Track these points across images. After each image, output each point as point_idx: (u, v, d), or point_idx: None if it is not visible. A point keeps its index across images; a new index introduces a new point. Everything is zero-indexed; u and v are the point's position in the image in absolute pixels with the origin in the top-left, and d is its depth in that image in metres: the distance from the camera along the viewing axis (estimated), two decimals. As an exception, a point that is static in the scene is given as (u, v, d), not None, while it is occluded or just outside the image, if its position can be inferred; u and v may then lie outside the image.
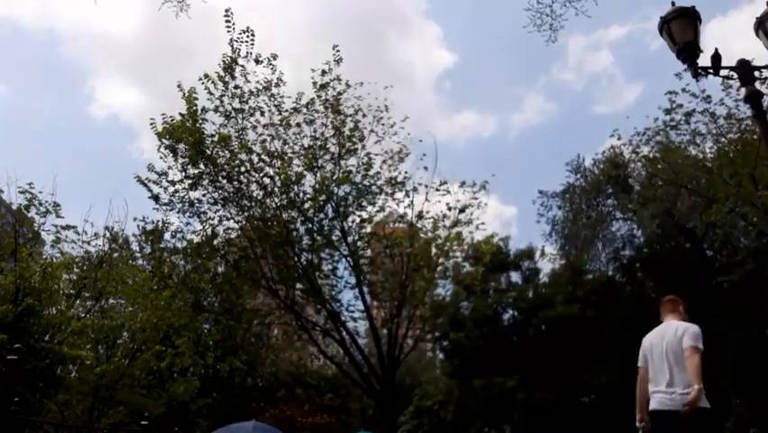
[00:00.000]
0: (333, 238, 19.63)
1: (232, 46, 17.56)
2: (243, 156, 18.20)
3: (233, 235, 20.12)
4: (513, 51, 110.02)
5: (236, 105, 18.07)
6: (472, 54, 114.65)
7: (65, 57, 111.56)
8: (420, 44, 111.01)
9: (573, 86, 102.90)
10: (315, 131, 18.67)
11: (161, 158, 18.07)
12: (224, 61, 17.71)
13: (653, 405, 5.42)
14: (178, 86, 17.86)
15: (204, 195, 18.82)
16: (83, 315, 15.40)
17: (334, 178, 18.82)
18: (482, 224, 21.34)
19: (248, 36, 17.48)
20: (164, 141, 17.76)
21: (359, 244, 20.26)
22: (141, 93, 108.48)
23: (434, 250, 20.63)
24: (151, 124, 17.81)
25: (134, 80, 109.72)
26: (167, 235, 21.49)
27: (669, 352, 5.36)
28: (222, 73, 17.77)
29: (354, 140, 18.85)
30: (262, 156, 18.43)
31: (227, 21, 17.24)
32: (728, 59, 6.91)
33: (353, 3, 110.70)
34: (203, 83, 17.80)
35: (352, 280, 20.36)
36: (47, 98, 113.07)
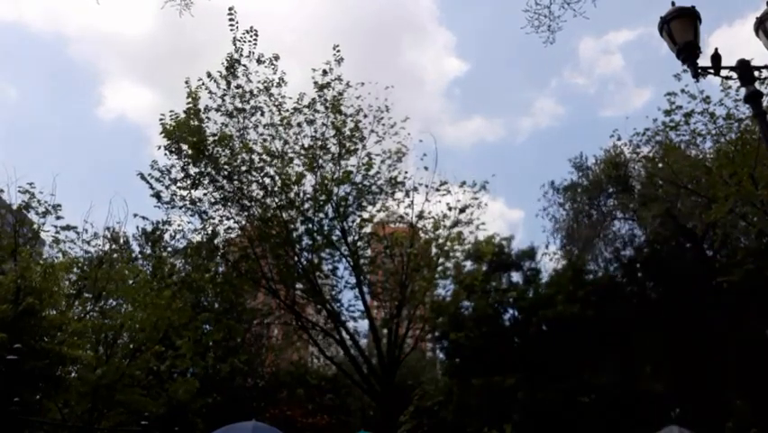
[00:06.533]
0: (334, 238, 19.62)
1: (235, 45, 17.62)
2: (244, 156, 18.22)
3: (233, 235, 20.12)
4: (525, 56, 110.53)
5: (238, 104, 18.12)
6: (484, 60, 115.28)
7: (75, 59, 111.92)
8: (433, 51, 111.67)
9: (585, 89, 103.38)
10: (315, 131, 18.69)
11: (165, 155, 18.12)
12: (227, 60, 17.76)
13: None
14: (186, 82, 17.93)
15: (204, 194, 18.86)
16: (83, 315, 15.42)
17: (335, 178, 18.82)
18: (483, 224, 21.31)
19: (251, 36, 17.54)
20: (169, 139, 17.81)
21: (359, 244, 20.24)
22: (153, 94, 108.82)
23: (434, 250, 20.61)
24: (161, 119, 17.83)
25: (146, 82, 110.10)
26: (166, 236, 21.49)
27: None
28: (224, 72, 17.83)
29: (355, 140, 18.84)
30: (263, 156, 18.45)
31: (231, 19, 17.31)
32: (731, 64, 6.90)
33: (369, 11, 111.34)
34: (203, 83, 17.87)
35: (352, 280, 20.35)
36: (57, 101, 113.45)
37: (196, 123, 17.73)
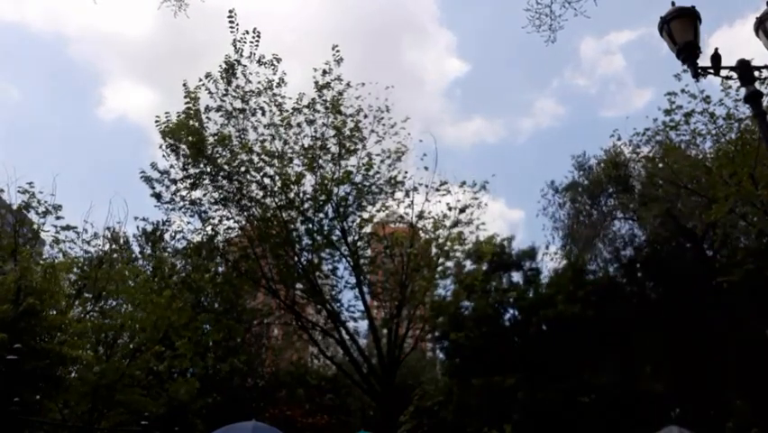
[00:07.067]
0: (333, 238, 19.62)
1: (235, 46, 17.63)
2: (244, 156, 18.23)
3: (233, 235, 20.13)
4: (526, 57, 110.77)
5: (238, 105, 18.14)
6: (485, 60, 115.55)
7: (75, 60, 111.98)
8: (434, 51, 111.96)
9: (586, 90, 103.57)
10: (315, 131, 18.70)
11: (164, 156, 18.17)
12: (225, 62, 17.76)
13: None
14: (184, 84, 17.96)
15: (204, 194, 18.89)
16: (83, 315, 15.42)
17: (335, 178, 18.82)
18: (483, 224, 21.32)
19: (253, 37, 17.55)
20: (167, 140, 17.86)
21: (359, 244, 20.25)
22: (154, 94, 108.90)
23: (434, 250, 20.62)
24: (156, 122, 17.90)
25: (147, 82, 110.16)
26: (166, 236, 21.52)
27: None
28: (223, 74, 17.83)
29: (355, 140, 18.84)
30: (262, 156, 18.45)
31: (231, 21, 17.35)
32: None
33: (370, 11, 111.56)
34: (203, 83, 17.90)
35: (352, 280, 20.36)
36: (57, 101, 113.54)
37: (196, 124, 17.76)
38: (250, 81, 18.01)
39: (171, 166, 18.29)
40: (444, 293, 25.37)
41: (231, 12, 17.28)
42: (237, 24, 17.40)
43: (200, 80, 17.95)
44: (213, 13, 17.49)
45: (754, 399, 21.38)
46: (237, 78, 17.95)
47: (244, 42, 17.58)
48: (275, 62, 17.96)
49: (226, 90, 17.98)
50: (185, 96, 17.83)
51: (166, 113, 17.87)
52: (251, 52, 17.72)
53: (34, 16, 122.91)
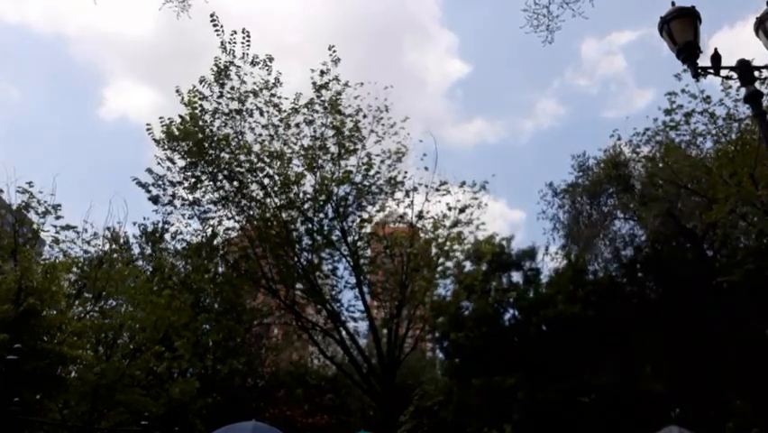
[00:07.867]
0: (333, 238, 19.63)
1: (224, 48, 17.55)
2: (243, 157, 18.22)
3: (233, 235, 20.13)
4: (527, 58, 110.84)
5: (234, 106, 18.11)
6: (487, 61, 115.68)
7: (76, 60, 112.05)
8: (435, 52, 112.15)
9: (587, 90, 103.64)
10: (314, 131, 18.69)
11: (159, 163, 18.20)
12: (216, 65, 17.70)
13: None
14: (177, 91, 17.92)
15: (204, 195, 18.88)
16: (83, 315, 15.42)
17: (334, 178, 18.82)
18: (483, 224, 21.32)
19: (243, 38, 17.47)
20: (166, 143, 17.85)
21: (359, 244, 20.25)
22: (156, 94, 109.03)
23: (434, 250, 20.63)
24: (148, 129, 17.92)
25: (148, 82, 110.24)
26: (166, 237, 21.53)
27: None
28: (216, 76, 17.77)
29: (354, 140, 18.84)
30: (262, 156, 18.44)
31: (214, 25, 17.17)
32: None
33: (373, 12, 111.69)
34: (196, 89, 17.86)
35: (352, 280, 20.36)
36: (57, 101, 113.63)
37: (194, 128, 17.72)
38: (244, 82, 17.98)
39: (168, 169, 18.31)
40: (444, 293, 25.44)
41: (212, 15, 17.09)
42: (222, 27, 17.31)
43: (193, 86, 17.89)
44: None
45: (754, 399, 21.37)
46: (231, 80, 17.91)
47: (234, 44, 17.51)
48: (268, 62, 17.90)
49: (221, 93, 17.94)
50: (181, 101, 17.83)
51: (160, 118, 17.93)
52: (243, 53, 17.67)
53: (35, 16, 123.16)
